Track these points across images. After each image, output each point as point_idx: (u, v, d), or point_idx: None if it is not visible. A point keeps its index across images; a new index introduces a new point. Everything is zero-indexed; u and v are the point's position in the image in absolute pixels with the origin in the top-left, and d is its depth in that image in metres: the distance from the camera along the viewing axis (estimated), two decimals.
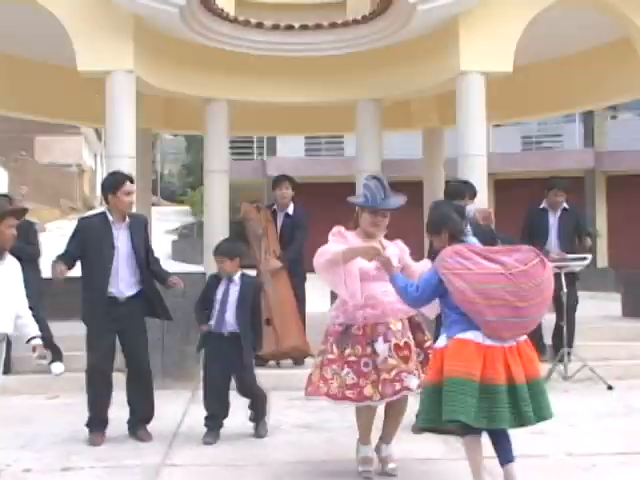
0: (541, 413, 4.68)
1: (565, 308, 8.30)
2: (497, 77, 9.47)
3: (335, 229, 5.38)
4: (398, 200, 5.38)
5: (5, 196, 8.96)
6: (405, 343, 5.15)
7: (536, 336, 8.74)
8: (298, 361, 8.50)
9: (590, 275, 13.36)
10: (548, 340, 8.79)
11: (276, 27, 10.23)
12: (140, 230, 6.43)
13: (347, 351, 5.14)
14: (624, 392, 7.89)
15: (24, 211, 5.60)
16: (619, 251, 22.98)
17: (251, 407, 6.38)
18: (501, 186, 22.01)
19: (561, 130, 25.56)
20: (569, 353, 8.32)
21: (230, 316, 6.21)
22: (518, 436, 6.04)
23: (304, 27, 10.28)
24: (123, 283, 6.25)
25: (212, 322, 6.25)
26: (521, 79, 10.45)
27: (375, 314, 5.18)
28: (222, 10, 9.87)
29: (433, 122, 13.33)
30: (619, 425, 6.58)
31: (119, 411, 6.37)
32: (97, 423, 6.24)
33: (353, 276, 5.13)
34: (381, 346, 5.10)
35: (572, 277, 8.50)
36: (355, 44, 10.35)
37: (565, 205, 9.00)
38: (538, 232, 8.79)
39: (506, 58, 9.32)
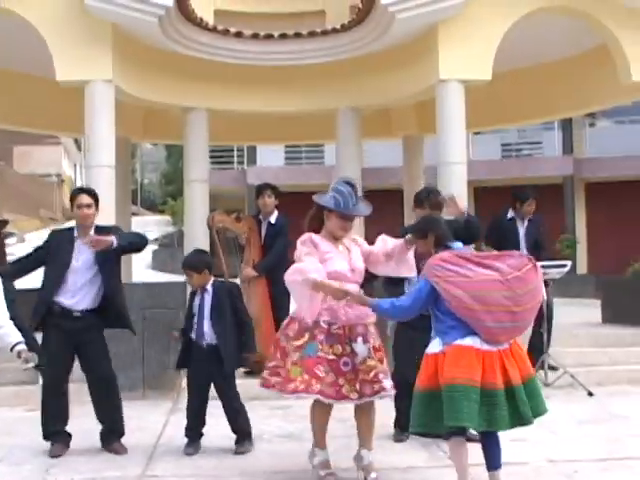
0: (537, 410, 4.80)
1: (546, 315, 8.31)
2: (476, 85, 9.51)
3: (305, 236, 5.36)
4: (367, 208, 5.46)
5: None
6: (379, 345, 5.29)
7: None
8: None
9: (570, 281, 13.41)
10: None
11: (255, 36, 10.25)
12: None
13: (326, 349, 5.18)
14: (604, 398, 7.91)
15: (4, 223, 5.55)
16: (598, 257, 23.09)
17: (233, 428, 6.23)
18: (481, 193, 22.06)
19: (540, 137, 25.67)
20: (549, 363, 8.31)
21: (207, 327, 6.14)
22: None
23: (283, 36, 10.30)
24: (78, 297, 6.12)
25: (193, 334, 6.21)
26: (500, 87, 10.50)
27: (355, 313, 5.22)
28: (201, 19, 9.87)
29: (413, 130, 13.37)
30: (600, 431, 6.60)
31: (98, 423, 6.34)
32: (56, 436, 6.15)
33: (316, 301, 5.17)
34: (361, 347, 5.18)
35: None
36: (334, 52, 10.39)
37: (530, 215, 9.02)
38: (510, 243, 8.73)
39: (485, 66, 9.37)
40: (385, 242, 5.51)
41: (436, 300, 4.80)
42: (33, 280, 6.39)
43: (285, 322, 5.43)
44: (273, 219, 8.61)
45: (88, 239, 6.01)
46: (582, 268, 23.17)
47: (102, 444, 6.22)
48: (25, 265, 6.44)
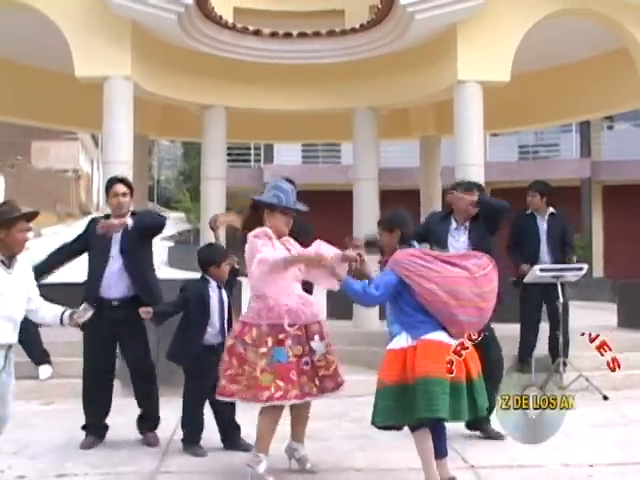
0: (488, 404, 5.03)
1: (561, 318, 8.28)
2: (494, 86, 9.48)
3: (259, 230, 5.38)
4: (303, 205, 5.59)
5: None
6: (329, 341, 5.48)
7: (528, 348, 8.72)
8: None
9: (586, 285, 13.37)
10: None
11: (274, 35, 10.25)
12: (132, 230, 6.26)
13: (294, 352, 5.28)
14: (620, 402, 7.88)
15: (35, 214, 5.47)
16: (615, 261, 22.99)
17: (227, 431, 6.14)
18: (497, 195, 21.90)
19: (558, 140, 25.58)
20: (565, 363, 8.28)
21: (220, 325, 6.09)
22: (513, 446, 6.02)
23: (302, 35, 10.30)
24: (112, 286, 6.23)
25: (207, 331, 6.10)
26: (518, 88, 10.45)
27: (311, 312, 5.40)
28: (220, 17, 9.88)
29: (430, 131, 13.35)
30: (615, 435, 6.58)
31: (114, 417, 6.38)
32: (92, 429, 6.24)
33: (291, 283, 5.35)
34: (318, 344, 5.35)
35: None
36: (353, 52, 10.38)
37: (552, 210, 8.94)
38: (529, 237, 8.75)
39: (503, 68, 9.34)
40: (319, 248, 5.43)
41: (402, 294, 4.93)
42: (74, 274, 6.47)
43: (237, 327, 5.43)
44: None
45: (100, 225, 6.09)
46: (598, 271, 23.08)
47: (138, 429, 6.36)
48: (74, 248, 6.51)
